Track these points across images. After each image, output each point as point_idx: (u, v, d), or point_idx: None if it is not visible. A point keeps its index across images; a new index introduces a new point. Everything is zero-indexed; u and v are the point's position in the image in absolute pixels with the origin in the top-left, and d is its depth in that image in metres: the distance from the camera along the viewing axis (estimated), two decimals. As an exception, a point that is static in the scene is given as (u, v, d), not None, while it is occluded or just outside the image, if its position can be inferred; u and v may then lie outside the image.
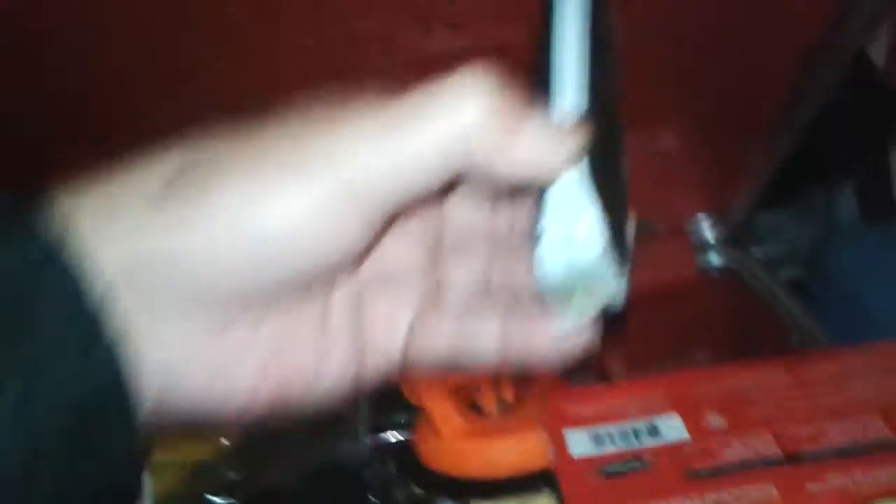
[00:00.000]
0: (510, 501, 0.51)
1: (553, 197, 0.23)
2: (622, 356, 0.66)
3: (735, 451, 0.38)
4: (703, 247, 0.66)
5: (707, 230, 0.66)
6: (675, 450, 0.39)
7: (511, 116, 0.21)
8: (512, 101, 0.21)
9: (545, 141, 0.22)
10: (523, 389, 0.56)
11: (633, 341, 0.59)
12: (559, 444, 0.41)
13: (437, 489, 0.54)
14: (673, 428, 0.40)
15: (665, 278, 0.68)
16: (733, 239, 0.65)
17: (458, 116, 0.21)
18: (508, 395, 0.55)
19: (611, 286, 0.23)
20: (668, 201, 0.67)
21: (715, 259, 0.66)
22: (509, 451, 0.51)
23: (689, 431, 0.40)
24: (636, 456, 0.39)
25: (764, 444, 0.38)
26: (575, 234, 0.23)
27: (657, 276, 0.67)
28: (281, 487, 0.54)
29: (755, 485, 0.36)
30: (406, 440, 0.56)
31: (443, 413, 0.52)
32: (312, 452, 0.54)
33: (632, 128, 0.66)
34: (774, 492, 0.35)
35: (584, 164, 0.22)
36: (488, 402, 0.55)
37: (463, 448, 0.52)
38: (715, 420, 0.40)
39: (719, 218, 0.65)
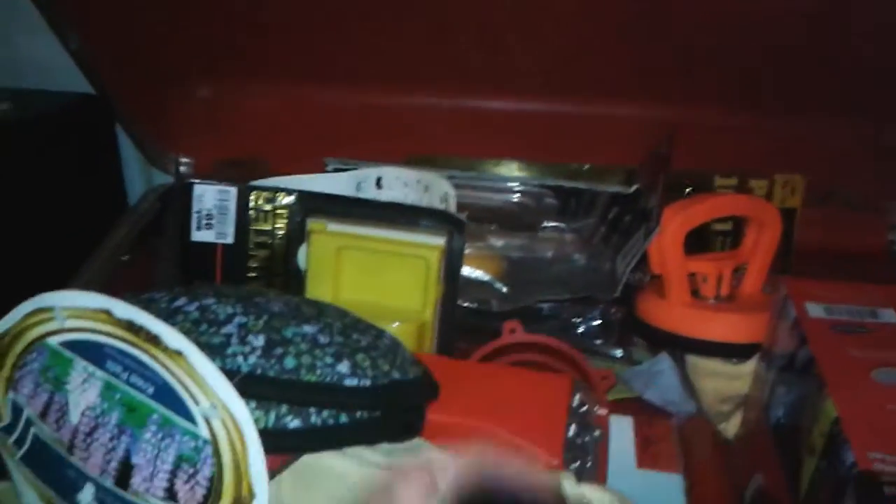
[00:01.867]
0: (719, 361, 0.65)
1: None
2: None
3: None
4: (896, 227, 0.79)
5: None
6: (891, 327, 0.53)
7: None
8: None
9: None
10: (736, 290, 0.70)
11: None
12: (800, 309, 0.55)
13: (657, 343, 0.69)
14: (889, 315, 0.54)
15: (857, 247, 0.80)
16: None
17: None
18: (724, 291, 0.69)
19: None
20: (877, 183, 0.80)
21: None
22: (722, 321, 0.66)
23: (901, 320, 0.53)
24: (860, 325, 0.53)
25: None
26: None
27: (850, 243, 0.80)
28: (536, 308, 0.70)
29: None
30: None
31: (677, 281, 0.66)
32: (568, 288, 0.69)
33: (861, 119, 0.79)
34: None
35: None
36: (707, 291, 0.69)
37: (685, 311, 0.66)
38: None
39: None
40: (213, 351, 0.39)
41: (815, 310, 0.55)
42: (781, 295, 0.58)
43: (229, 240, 0.65)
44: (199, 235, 0.65)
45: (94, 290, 0.71)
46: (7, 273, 0.77)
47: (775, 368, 0.58)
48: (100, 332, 0.38)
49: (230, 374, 0.37)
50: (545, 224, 0.73)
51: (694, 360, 0.67)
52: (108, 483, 0.38)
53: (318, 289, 0.63)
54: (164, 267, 0.71)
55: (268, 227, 0.65)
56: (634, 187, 0.70)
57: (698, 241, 0.69)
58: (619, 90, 0.79)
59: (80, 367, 0.38)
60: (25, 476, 0.40)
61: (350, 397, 0.40)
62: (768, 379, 0.59)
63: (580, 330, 0.73)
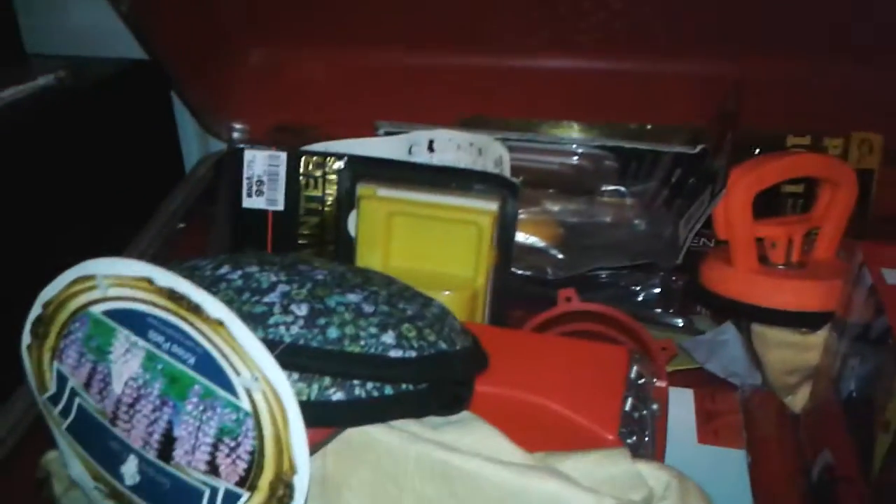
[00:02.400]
0: (787, 331, 0.62)
1: None
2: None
3: None
4: None
5: None
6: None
7: None
8: None
9: None
10: (807, 256, 0.66)
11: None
12: (877, 276, 0.51)
13: (722, 311, 0.66)
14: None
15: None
16: None
17: None
18: (795, 257, 0.65)
19: None
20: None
21: None
22: (792, 289, 0.62)
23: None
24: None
25: None
26: None
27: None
28: (593, 275, 0.68)
29: None
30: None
31: (744, 247, 0.63)
32: (627, 254, 0.66)
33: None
34: None
35: None
36: (776, 257, 0.65)
37: (753, 278, 0.63)
38: None
39: None
40: (256, 320, 0.38)
41: (893, 276, 0.51)
42: (857, 261, 0.55)
43: (280, 206, 0.64)
44: (250, 202, 0.65)
45: (147, 258, 0.72)
46: (63, 240, 0.78)
47: (848, 339, 0.55)
48: (142, 301, 0.37)
49: (272, 344, 0.36)
50: (604, 188, 0.70)
51: (761, 330, 0.63)
52: (151, 455, 0.37)
53: (369, 256, 0.62)
54: (217, 235, 0.71)
55: (318, 194, 0.64)
56: (700, 147, 0.66)
57: (767, 205, 0.66)
58: (682, 45, 0.75)
59: (123, 337, 0.38)
60: (71, 446, 0.40)
61: (395, 369, 0.38)
62: (840, 350, 0.55)
63: (639, 298, 0.71)
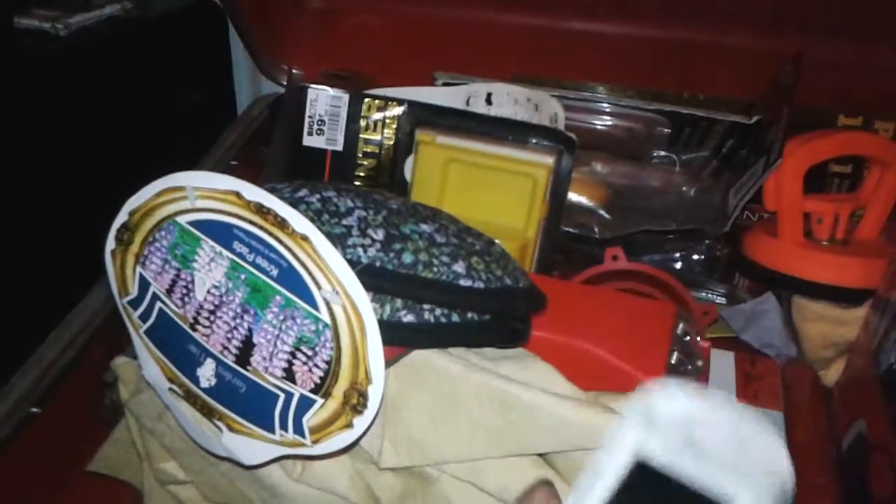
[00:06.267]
0: (828, 305, 0.63)
1: None
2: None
3: None
4: None
5: None
6: None
7: None
8: None
9: None
10: (852, 234, 0.67)
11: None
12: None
13: (764, 281, 0.67)
14: None
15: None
16: None
17: None
18: (839, 234, 0.66)
19: None
20: None
21: None
22: (837, 264, 0.63)
23: None
24: None
25: None
26: None
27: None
28: (637, 236, 0.69)
29: None
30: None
31: (792, 220, 0.64)
32: (675, 219, 0.67)
33: None
34: None
35: None
36: (821, 233, 0.66)
37: (798, 251, 0.64)
38: None
39: None
40: (335, 241, 0.39)
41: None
42: (906, 239, 0.56)
43: (339, 146, 0.66)
44: (310, 140, 0.66)
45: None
46: (116, 166, 0.79)
47: (890, 315, 0.56)
48: (228, 214, 0.39)
49: (351, 264, 0.38)
50: (655, 153, 0.71)
51: (801, 303, 0.65)
52: (229, 360, 0.39)
53: (423, 200, 0.63)
54: (273, 171, 0.72)
55: (377, 137, 0.66)
56: (755, 118, 0.67)
57: (814, 183, 0.66)
58: (739, 19, 0.76)
59: (208, 247, 0.39)
60: (149, 349, 0.42)
61: (464, 297, 0.40)
62: (881, 326, 0.56)
63: (679, 265, 0.72)
